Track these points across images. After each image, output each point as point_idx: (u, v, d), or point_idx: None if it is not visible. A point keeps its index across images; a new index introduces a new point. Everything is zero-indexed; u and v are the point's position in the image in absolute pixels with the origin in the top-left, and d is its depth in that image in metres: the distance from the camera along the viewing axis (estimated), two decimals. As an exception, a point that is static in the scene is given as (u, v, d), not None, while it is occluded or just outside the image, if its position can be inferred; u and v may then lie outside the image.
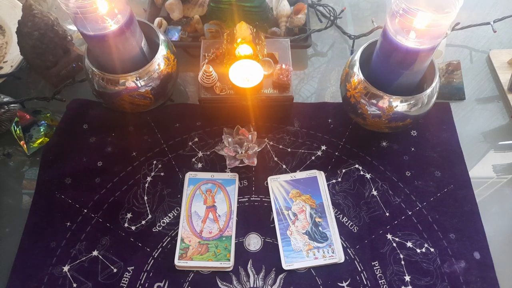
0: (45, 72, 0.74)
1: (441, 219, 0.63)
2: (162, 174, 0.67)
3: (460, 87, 0.75)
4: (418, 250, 0.61)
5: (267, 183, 0.66)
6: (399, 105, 0.61)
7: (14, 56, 0.76)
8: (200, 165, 0.68)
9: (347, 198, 0.65)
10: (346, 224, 0.63)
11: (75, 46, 0.77)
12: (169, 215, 0.64)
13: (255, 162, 0.67)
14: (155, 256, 0.61)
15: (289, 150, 0.70)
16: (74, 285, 0.58)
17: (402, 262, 0.60)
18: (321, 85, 0.79)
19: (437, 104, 0.71)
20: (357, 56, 0.64)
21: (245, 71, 0.63)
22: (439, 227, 0.62)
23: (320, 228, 0.62)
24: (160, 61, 0.65)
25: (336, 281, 0.59)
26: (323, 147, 0.70)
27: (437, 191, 0.66)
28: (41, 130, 0.70)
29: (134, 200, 0.65)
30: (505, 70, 0.78)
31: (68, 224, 0.63)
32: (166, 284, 0.59)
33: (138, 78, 0.64)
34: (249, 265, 0.60)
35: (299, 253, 0.60)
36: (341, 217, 0.64)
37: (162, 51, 0.65)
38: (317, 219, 0.63)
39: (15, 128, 0.70)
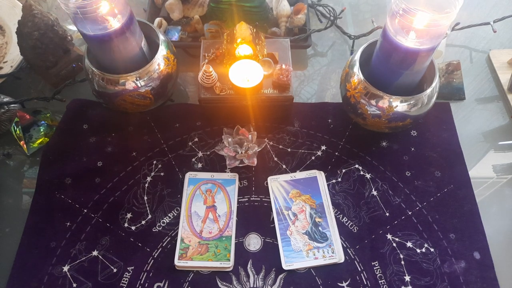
0: (45, 72, 0.74)
1: (441, 219, 0.63)
2: (162, 174, 0.67)
3: (460, 87, 0.75)
4: (418, 250, 0.61)
5: (267, 183, 0.66)
6: (399, 105, 0.61)
7: (14, 56, 0.76)
8: (200, 165, 0.68)
9: (347, 198, 0.65)
10: (346, 224, 0.63)
11: (75, 46, 0.77)
12: (169, 215, 0.64)
13: (255, 162, 0.67)
14: (155, 256, 0.61)
15: (289, 150, 0.70)
16: (74, 285, 0.58)
17: (402, 262, 0.60)
18: (321, 87, 0.79)
19: (437, 104, 0.71)
20: (357, 56, 0.64)
21: (245, 71, 0.63)
22: (439, 227, 0.62)
23: (320, 228, 0.62)
24: (160, 61, 0.65)
25: (336, 281, 0.59)
26: (323, 147, 0.70)
27: (437, 191, 0.66)
28: (41, 130, 0.70)
29: (134, 200, 0.65)
30: (505, 70, 0.78)
31: (68, 224, 0.63)
32: (166, 284, 0.59)
33: (138, 78, 0.64)
34: (249, 265, 0.60)
35: (299, 253, 0.60)
36: (341, 217, 0.64)
37: (162, 51, 0.66)
38: (317, 219, 0.63)
39: (15, 128, 0.70)
